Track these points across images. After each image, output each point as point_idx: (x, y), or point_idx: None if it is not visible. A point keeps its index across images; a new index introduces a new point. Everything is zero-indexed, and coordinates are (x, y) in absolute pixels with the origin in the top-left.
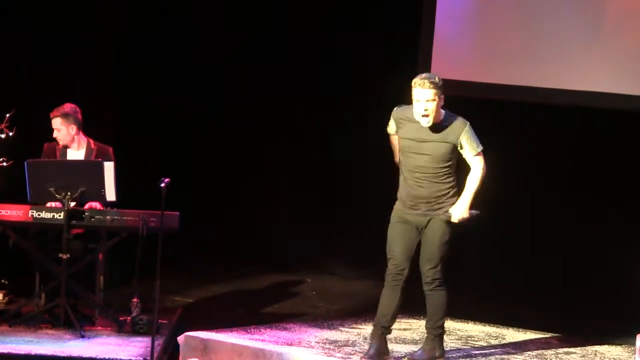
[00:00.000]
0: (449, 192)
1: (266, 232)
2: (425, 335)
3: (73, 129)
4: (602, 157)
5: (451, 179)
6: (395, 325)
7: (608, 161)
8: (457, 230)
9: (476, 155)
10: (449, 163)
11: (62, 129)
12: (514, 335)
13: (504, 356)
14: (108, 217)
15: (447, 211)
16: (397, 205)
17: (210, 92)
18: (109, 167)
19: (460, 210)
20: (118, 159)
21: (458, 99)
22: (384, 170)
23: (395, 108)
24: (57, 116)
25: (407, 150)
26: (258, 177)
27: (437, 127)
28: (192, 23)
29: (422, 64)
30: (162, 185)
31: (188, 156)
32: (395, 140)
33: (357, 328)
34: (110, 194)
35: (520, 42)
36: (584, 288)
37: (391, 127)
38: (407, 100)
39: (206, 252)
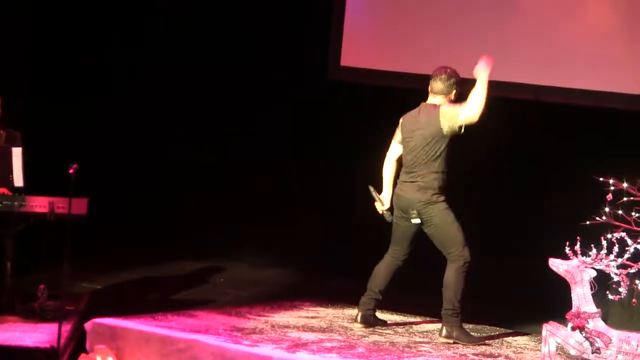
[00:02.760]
0: None
1: (175, 219)
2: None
3: None
4: (514, 148)
5: None
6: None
7: (521, 152)
8: None
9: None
10: None
11: None
12: (421, 324)
13: (410, 345)
14: (16, 202)
15: None
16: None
17: (124, 79)
18: (17, 153)
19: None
20: (27, 145)
21: (367, 87)
22: (293, 162)
23: None
24: None
25: None
26: (169, 164)
27: None
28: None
29: (332, 54)
30: (71, 171)
31: (99, 142)
32: None
33: (264, 316)
34: (18, 180)
35: (432, 31)
36: (492, 276)
37: None
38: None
39: (114, 238)
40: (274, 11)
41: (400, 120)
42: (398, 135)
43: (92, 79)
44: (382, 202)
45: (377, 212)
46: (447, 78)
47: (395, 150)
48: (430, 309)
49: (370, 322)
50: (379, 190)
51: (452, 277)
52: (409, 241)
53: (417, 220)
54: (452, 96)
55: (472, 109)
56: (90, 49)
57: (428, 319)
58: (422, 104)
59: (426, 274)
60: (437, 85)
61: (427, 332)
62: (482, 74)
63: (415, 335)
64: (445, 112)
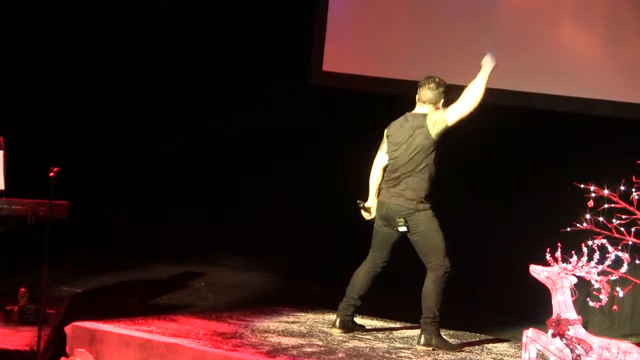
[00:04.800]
0: None
1: (156, 223)
2: None
3: None
4: (500, 155)
5: None
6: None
7: (506, 158)
8: None
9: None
10: None
11: None
12: (402, 329)
13: (390, 351)
14: None
15: None
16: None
17: (105, 82)
18: None
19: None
20: (8, 148)
21: (348, 93)
22: (273, 167)
23: None
24: None
25: None
26: (148, 168)
27: None
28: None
29: (314, 59)
30: (51, 174)
31: (80, 146)
32: None
33: (245, 320)
34: (0, 183)
35: (415, 37)
36: (472, 282)
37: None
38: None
39: (95, 242)
40: (257, 15)
41: (385, 131)
42: (384, 146)
43: (78, 79)
44: (370, 212)
45: (364, 220)
46: (436, 87)
47: (381, 159)
48: (410, 314)
49: (349, 327)
50: (365, 198)
51: (431, 286)
52: (388, 248)
53: (404, 228)
54: (440, 105)
55: (467, 102)
56: (76, 48)
57: (408, 324)
58: (408, 114)
59: (407, 278)
60: (425, 94)
61: (407, 337)
62: (485, 67)
63: (395, 341)
64: (433, 119)
